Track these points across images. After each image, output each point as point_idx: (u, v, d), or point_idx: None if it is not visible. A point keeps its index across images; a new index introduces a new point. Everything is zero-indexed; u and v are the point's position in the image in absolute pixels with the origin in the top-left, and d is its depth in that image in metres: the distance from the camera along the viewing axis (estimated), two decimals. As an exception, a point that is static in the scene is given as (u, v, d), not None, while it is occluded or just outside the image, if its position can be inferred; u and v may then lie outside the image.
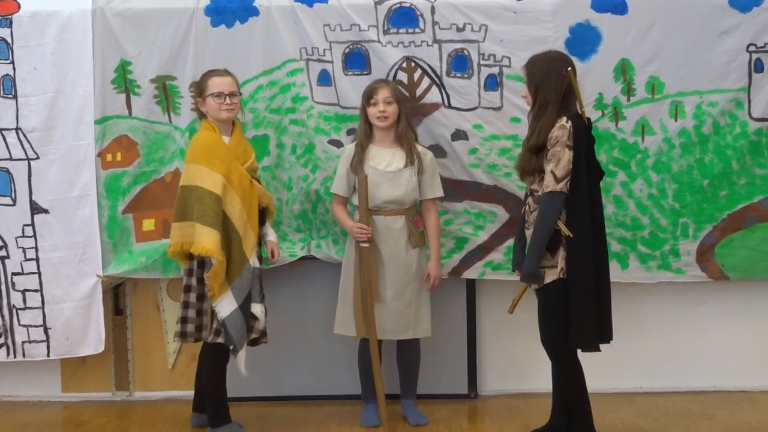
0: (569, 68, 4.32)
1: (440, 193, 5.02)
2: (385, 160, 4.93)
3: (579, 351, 4.38)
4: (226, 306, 4.61)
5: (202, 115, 4.79)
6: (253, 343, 4.81)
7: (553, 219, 4.27)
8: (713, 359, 5.45)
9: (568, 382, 4.44)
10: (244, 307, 4.67)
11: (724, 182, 5.20)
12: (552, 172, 4.25)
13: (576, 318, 4.29)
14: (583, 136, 4.31)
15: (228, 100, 4.70)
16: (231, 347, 4.65)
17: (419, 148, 4.99)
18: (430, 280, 4.98)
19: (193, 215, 4.55)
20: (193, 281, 4.66)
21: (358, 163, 4.92)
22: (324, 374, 5.41)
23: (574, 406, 4.45)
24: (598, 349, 4.34)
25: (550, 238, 4.27)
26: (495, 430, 4.93)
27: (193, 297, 4.66)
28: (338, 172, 5.01)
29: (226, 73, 4.77)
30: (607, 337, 4.39)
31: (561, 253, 4.28)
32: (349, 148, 5.01)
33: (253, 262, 4.72)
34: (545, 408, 4.65)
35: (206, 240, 4.52)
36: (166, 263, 5.15)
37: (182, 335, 4.71)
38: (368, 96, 4.93)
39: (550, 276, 4.32)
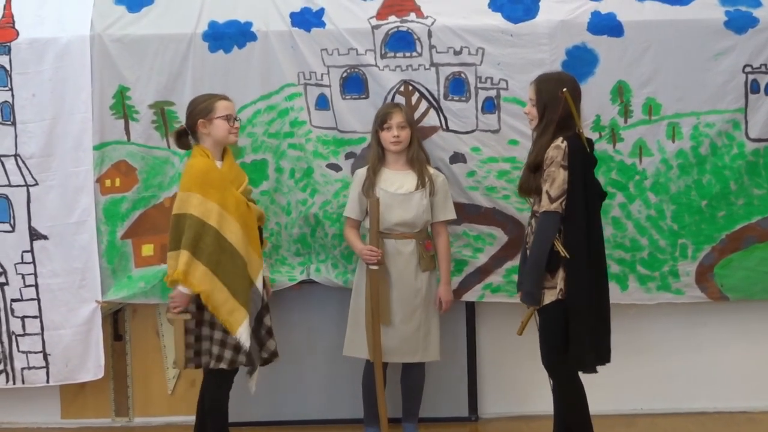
0: (564, 89, 4.30)
1: (452, 215, 5.01)
2: (397, 182, 4.93)
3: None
4: (246, 334, 4.54)
5: (184, 141, 4.71)
6: (265, 362, 4.76)
7: (548, 239, 4.26)
8: (713, 380, 5.44)
9: (569, 402, 4.42)
10: (254, 329, 4.64)
11: (722, 203, 5.21)
12: (547, 192, 4.25)
13: (575, 339, 4.27)
14: (580, 157, 4.31)
15: (235, 124, 4.70)
16: (250, 368, 4.64)
17: (431, 170, 4.99)
18: (441, 304, 4.97)
19: (182, 243, 4.48)
20: (191, 307, 4.60)
21: (369, 186, 4.92)
22: (325, 398, 5.40)
23: (575, 427, 4.43)
24: (594, 371, 4.34)
25: (548, 258, 4.26)
26: (496, 453, 4.95)
27: (191, 323, 4.59)
28: (350, 196, 5.01)
29: (228, 98, 4.73)
30: (605, 358, 4.37)
31: (560, 275, 4.27)
32: (361, 171, 5.01)
33: (259, 284, 4.67)
34: (547, 430, 4.64)
35: (186, 268, 4.45)
36: (165, 288, 5.10)
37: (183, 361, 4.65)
38: (382, 120, 4.92)
39: (549, 297, 4.30)
